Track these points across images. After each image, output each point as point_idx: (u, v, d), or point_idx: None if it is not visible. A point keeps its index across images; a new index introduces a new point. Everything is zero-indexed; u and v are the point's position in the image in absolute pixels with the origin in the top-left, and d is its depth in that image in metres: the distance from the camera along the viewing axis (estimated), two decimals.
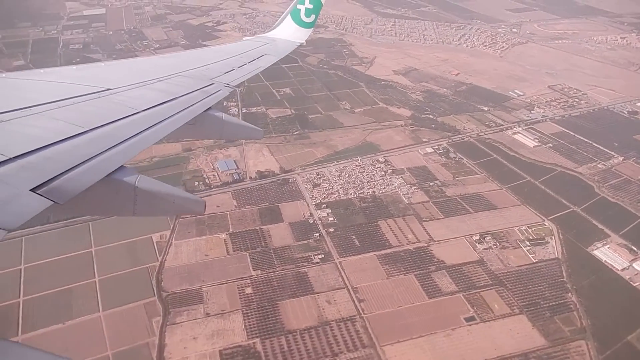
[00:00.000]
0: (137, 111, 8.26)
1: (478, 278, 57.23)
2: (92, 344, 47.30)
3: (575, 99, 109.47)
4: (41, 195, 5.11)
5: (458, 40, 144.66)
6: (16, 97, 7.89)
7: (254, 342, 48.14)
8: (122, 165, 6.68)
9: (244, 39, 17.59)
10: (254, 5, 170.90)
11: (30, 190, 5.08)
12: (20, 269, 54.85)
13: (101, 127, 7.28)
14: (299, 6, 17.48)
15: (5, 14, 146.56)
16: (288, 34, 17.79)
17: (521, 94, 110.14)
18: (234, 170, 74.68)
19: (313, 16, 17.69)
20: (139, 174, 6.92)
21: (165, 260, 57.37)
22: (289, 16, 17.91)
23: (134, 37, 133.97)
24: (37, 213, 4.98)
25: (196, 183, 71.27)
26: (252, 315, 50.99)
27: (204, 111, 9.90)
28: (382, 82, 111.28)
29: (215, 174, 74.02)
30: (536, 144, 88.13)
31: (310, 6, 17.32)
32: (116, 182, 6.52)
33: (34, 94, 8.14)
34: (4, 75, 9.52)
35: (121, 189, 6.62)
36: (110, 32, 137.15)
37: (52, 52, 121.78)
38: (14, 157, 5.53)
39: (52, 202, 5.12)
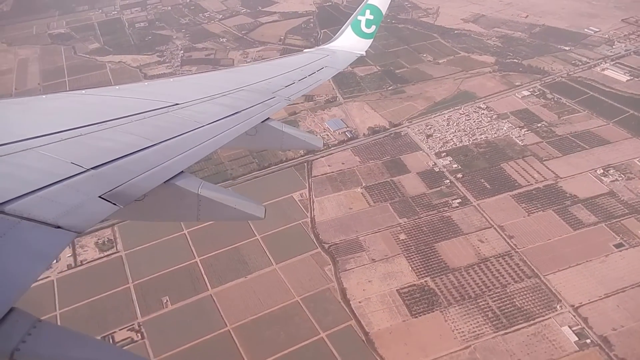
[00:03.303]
0: (201, 125, 8.66)
1: (614, 208, 59.42)
2: (278, 292, 51.62)
3: None
4: (106, 200, 5.57)
5: None
6: (94, 112, 8.47)
7: (425, 281, 51.80)
8: (186, 173, 7.15)
9: (305, 51, 17.89)
10: None
11: (99, 197, 5.58)
12: (185, 234, 59.02)
13: (168, 140, 7.70)
14: (359, 17, 17.35)
15: (62, 0, 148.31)
16: (349, 45, 17.61)
17: (597, 30, 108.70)
18: (344, 128, 77.15)
19: (374, 27, 17.32)
20: (202, 181, 7.36)
21: (314, 216, 60.88)
22: (349, 27, 17.71)
23: (193, 10, 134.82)
24: (104, 217, 5.46)
25: None
26: (414, 258, 54.47)
27: (264, 122, 10.21)
28: (455, 32, 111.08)
29: (328, 133, 76.59)
30: (629, 78, 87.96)
31: (371, 17, 17.13)
32: (181, 190, 6.96)
33: (110, 109, 8.75)
34: (83, 92, 10.16)
35: (185, 196, 7.07)
36: (169, 8, 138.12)
37: (122, 32, 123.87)
38: (90, 169, 6.05)
39: (117, 207, 5.59)
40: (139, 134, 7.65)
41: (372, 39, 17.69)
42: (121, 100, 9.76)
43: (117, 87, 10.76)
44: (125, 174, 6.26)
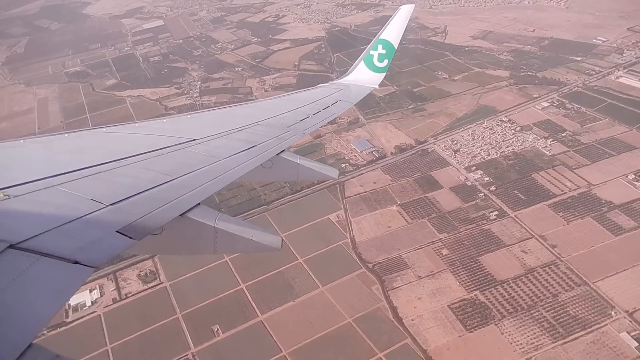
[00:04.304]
0: (218, 159, 8.80)
1: None
2: (329, 314, 51.48)
3: None
4: (122, 234, 5.66)
5: None
6: (114, 149, 8.64)
7: (475, 295, 51.75)
8: (202, 206, 7.21)
9: (319, 85, 18.07)
10: None
11: (116, 231, 5.68)
12: (227, 261, 59.14)
13: (186, 174, 7.80)
14: (371, 52, 17.65)
15: (74, 40, 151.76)
16: (361, 78, 17.92)
17: (604, 40, 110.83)
18: (371, 148, 78.03)
19: (386, 61, 17.63)
20: (219, 213, 7.40)
21: (354, 236, 61.12)
22: (362, 62, 18.05)
23: (205, 42, 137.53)
24: (120, 251, 5.53)
25: (343, 165, 74.71)
26: (460, 272, 54.52)
27: (279, 154, 10.40)
28: (466, 49, 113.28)
29: (355, 154, 77.42)
30: None
31: (384, 52, 17.43)
32: (197, 222, 7.03)
33: (130, 146, 8.91)
34: (104, 129, 10.33)
35: (202, 229, 7.14)
36: (180, 41, 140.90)
37: (137, 67, 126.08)
38: (109, 205, 6.17)
39: (134, 241, 5.67)
40: (158, 169, 7.77)
41: (384, 73, 17.96)
42: (140, 137, 9.99)
43: (136, 125, 10.92)
44: (142, 208, 6.35)
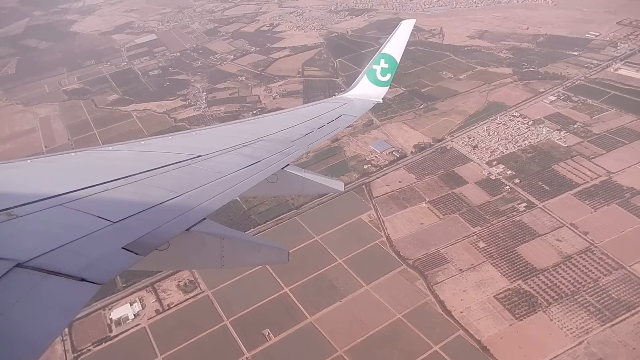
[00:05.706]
0: (224, 175, 8.85)
1: None
2: (378, 312, 52.10)
3: None
4: (128, 250, 5.65)
5: None
6: (121, 167, 8.69)
7: (518, 284, 52.98)
8: (208, 221, 7.26)
9: (323, 100, 18.38)
10: (293, 3, 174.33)
11: (122, 248, 5.68)
12: (266, 267, 59.15)
13: (191, 190, 7.85)
14: (374, 66, 17.79)
15: (66, 58, 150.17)
16: (365, 93, 18.03)
17: (597, 34, 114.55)
18: (390, 149, 79.21)
19: (389, 75, 17.82)
20: (225, 227, 7.60)
21: (388, 234, 61.96)
22: (365, 76, 18.20)
23: (203, 53, 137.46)
24: (126, 267, 5.51)
25: (365, 166, 75.72)
26: (499, 263, 55.74)
27: (283, 168, 10.49)
28: (465, 48, 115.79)
29: (375, 155, 78.49)
30: None
31: (386, 66, 17.60)
32: (203, 237, 7.19)
33: (136, 164, 8.97)
34: (110, 147, 10.40)
35: (208, 243, 7.28)
36: (178, 54, 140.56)
37: (137, 82, 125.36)
38: (115, 222, 6.23)
39: (140, 257, 5.66)
40: (164, 186, 7.83)
41: (388, 87, 18.12)
42: (146, 155, 10.11)
43: (142, 142, 11.01)
44: (148, 224, 6.40)
